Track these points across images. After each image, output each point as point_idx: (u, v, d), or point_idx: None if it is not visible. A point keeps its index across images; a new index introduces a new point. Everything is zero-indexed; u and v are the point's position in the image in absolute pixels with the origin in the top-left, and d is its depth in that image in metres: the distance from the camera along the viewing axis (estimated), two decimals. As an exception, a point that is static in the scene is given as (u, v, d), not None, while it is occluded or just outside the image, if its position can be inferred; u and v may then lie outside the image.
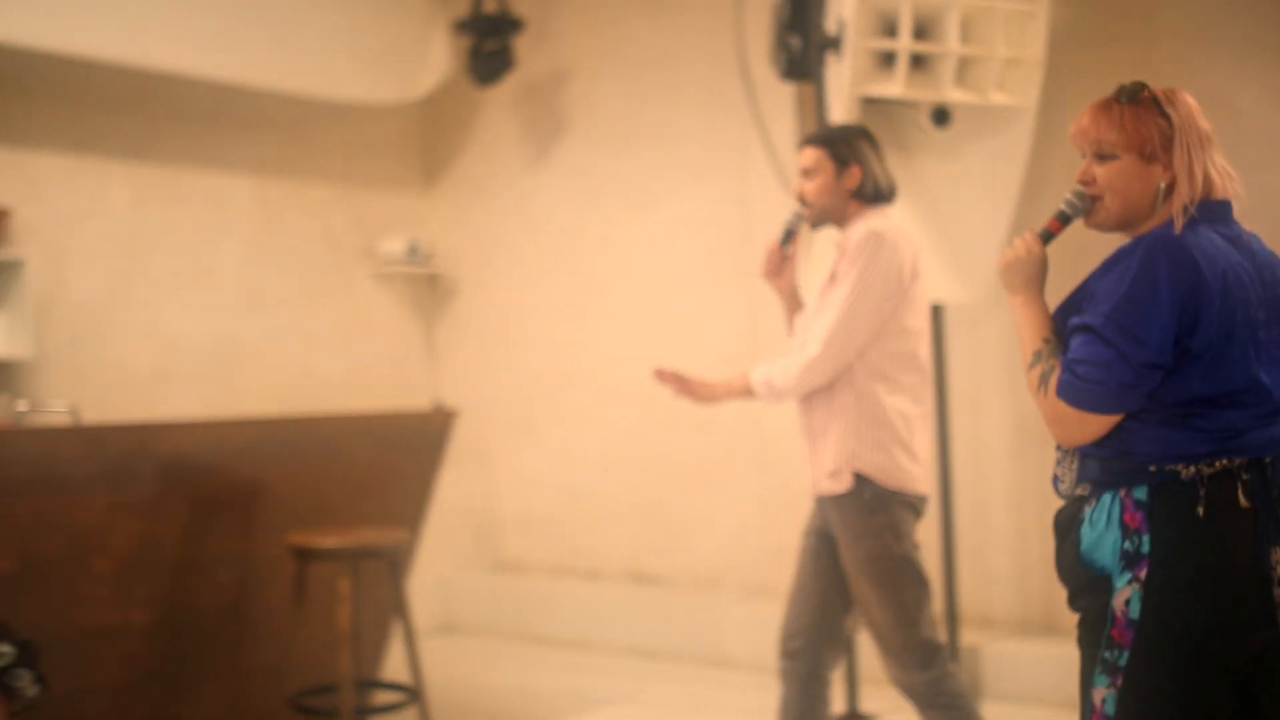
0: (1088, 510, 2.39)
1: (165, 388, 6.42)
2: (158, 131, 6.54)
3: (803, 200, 3.68)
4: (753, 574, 6.38)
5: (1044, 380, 2.38)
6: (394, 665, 5.15)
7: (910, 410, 3.55)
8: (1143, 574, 2.29)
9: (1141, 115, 2.39)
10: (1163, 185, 2.38)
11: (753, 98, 6.04)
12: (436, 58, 7.07)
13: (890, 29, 4.89)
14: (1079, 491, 2.42)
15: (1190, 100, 2.42)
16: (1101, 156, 2.42)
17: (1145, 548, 2.31)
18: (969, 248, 5.04)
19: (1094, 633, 2.38)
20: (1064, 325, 2.42)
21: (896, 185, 3.74)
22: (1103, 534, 2.35)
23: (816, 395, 3.57)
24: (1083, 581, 2.41)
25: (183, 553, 4.26)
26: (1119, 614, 2.32)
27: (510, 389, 7.30)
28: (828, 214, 3.68)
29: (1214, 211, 2.40)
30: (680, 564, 6.74)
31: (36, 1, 5.65)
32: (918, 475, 3.54)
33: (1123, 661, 2.32)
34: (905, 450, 3.51)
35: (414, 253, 7.29)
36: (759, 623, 6.05)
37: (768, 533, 6.10)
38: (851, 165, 3.64)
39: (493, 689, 5.89)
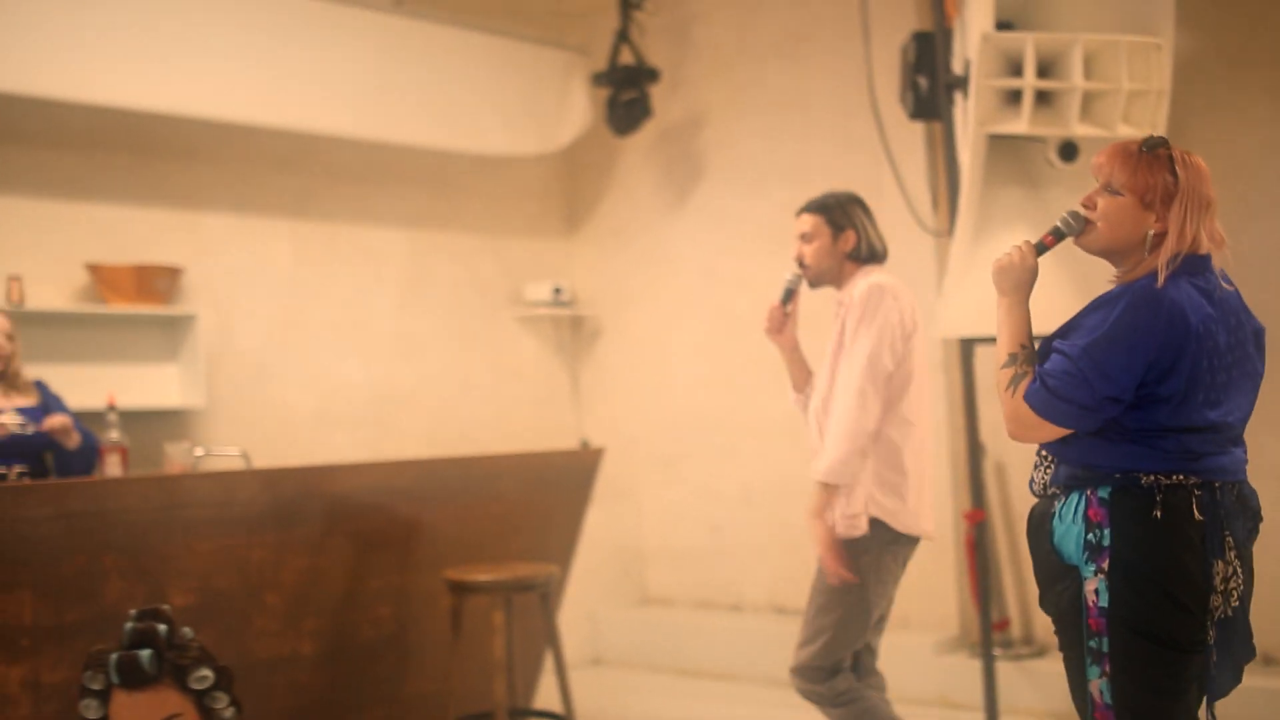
0: (1057, 506, 2.70)
1: (326, 431, 6.75)
2: (316, 190, 6.91)
3: (801, 263, 3.94)
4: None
5: (1014, 382, 2.69)
6: (546, 695, 5.35)
7: (918, 456, 3.78)
8: (1105, 564, 2.60)
9: (1154, 167, 2.67)
10: (1151, 233, 2.67)
11: (883, 137, 6.17)
12: (576, 110, 7.34)
13: (1015, 67, 4.97)
14: (1051, 491, 2.74)
15: (1202, 166, 2.69)
16: (1109, 190, 2.71)
17: (1106, 540, 2.61)
18: (1099, 281, 5.09)
19: (1070, 624, 2.67)
20: (1047, 344, 2.70)
21: (887, 247, 4.01)
22: (1069, 527, 2.66)
23: None
24: (1055, 571, 2.70)
25: (347, 587, 4.52)
26: (1090, 604, 2.62)
27: (653, 426, 7.49)
28: (824, 275, 3.95)
29: (1194, 265, 2.67)
30: None
31: (203, 74, 6.04)
32: (922, 517, 3.78)
33: (1105, 648, 2.60)
34: (915, 494, 3.75)
35: (558, 296, 7.54)
36: (895, 654, 6.13)
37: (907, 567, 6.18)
38: (846, 230, 3.93)
39: (638, 717, 6.05)
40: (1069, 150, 5.03)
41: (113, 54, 5.79)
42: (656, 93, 7.11)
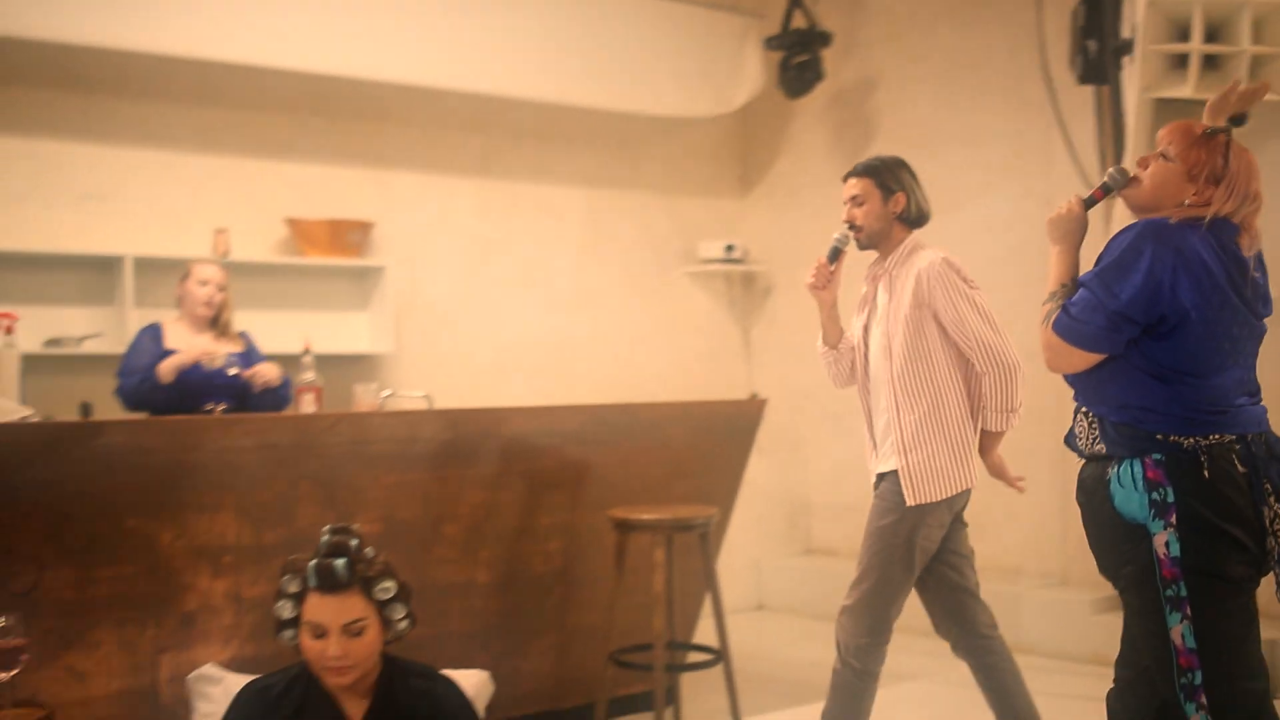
0: (1113, 471, 2.90)
1: (504, 378, 7.09)
2: (499, 150, 7.23)
3: (853, 225, 4.02)
4: (1052, 564, 6.55)
5: (1048, 316, 2.97)
6: (704, 633, 5.60)
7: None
8: (1172, 519, 2.82)
9: (1209, 147, 2.92)
10: (1187, 201, 2.92)
11: (1054, 100, 6.21)
12: (750, 72, 7.51)
13: (1182, 31, 5.00)
14: (1097, 449, 2.96)
15: (1254, 161, 2.95)
16: (1162, 156, 2.97)
17: (1170, 497, 2.82)
18: (1271, 242, 5.10)
19: (1142, 580, 2.87)
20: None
21: (931, 210, 4.09)
22: (1130, 492, 2.87)
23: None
24: (1122, 532, 2.90)
25: (519, 522, 4.82)
26: (1162, 555, 2.83)
27: (820, 382, 7.61)
28: (876, 237, 4.03)
29: (1219, 227, 2.90)
30: (983, 552, 6.88)
31: (394, 41, 6.40)
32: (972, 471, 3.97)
33: (1184, 593, 2.81)
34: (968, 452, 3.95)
35: (730, 253, 7.75)
36: (1058, 610, 6.23)
37: (1067, 524, 6.25)
38: (897, 193, 4.01)
39: (799, 662, 6.26)
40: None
41: (311, 22, 6.18)
42: (829, 56, 7.23)
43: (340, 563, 2.79)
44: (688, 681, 5.22)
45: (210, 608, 4.19)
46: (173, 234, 6.15)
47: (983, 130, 6.87)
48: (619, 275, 7.62)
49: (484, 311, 7.10)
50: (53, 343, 5.74)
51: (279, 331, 5.88)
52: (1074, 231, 3.07)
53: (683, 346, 7.74)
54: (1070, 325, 2.92)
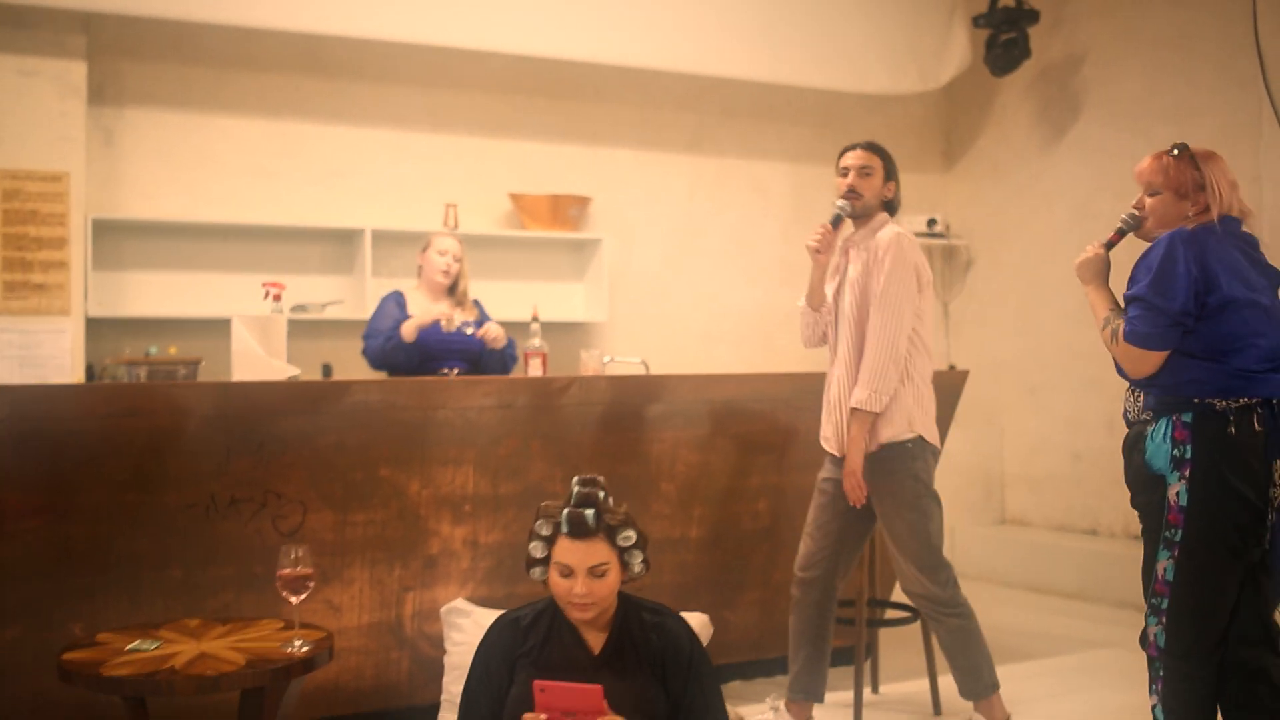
0: (1150, 430, 3.44)
1: (711, 347, 7.40)
2: (710, 127, 7.52)
3: (857, 193, 4.26)
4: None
5: (1114, 334, 3.45)
6: (900, 594, 5.81)
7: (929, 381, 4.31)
8: (1187, 473, 3.35)
9: (1181, 166, 3.45)
10: (1191, 213, 3.43)
11: (1265, 76, 6.21)
12: (957, 50, 7.63)
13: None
14: (1143, 417, 3.52)
15: (1219, 156, 3.47)
16: (1150, 192, 3.50)
17: (1188, 454, 3.35)
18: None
19: (1153, 522, 3.45)
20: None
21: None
22: (1159, 445, 3.40)
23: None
24: (1144, 481, 3.47)
25: (730, 483, 5.12)
26: (1173, 503, 3.37)
27: (1019, 355, 7.77)
28: (868, 211, 4.30)
29: (1226, 221, 3.40)
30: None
31: (610, 23, 6.73)
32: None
33: (1178, 538, 3.38)
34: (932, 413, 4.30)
35: (933, 228, 7.90)
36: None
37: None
38: (892, 180, 4.35)
39: (993, 625, 6.41)
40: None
41: (533, 8, 6.56)
42: (1035, 33, 7.32)
43: (589, 512, 3.11)
44: (885, 640, 5.45)
45: (450, 552, 4.60)
46: (407, 208, 6.62)
47: (1191, 107, 6.88)
48: (822, 249, 7.83)
49: (693, 283, 7.41)
50: (298, 308, 6.24)
51: (501, 300, 6.29)
52: (1101, 271, 3.61)
53: (883, 319, 7.92)
54: (1140, 334, 3.37)
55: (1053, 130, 7.64)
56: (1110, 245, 3.61)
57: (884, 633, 5.41)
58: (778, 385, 5.25)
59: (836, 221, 4.30)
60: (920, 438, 4.27)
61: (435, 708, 4.52)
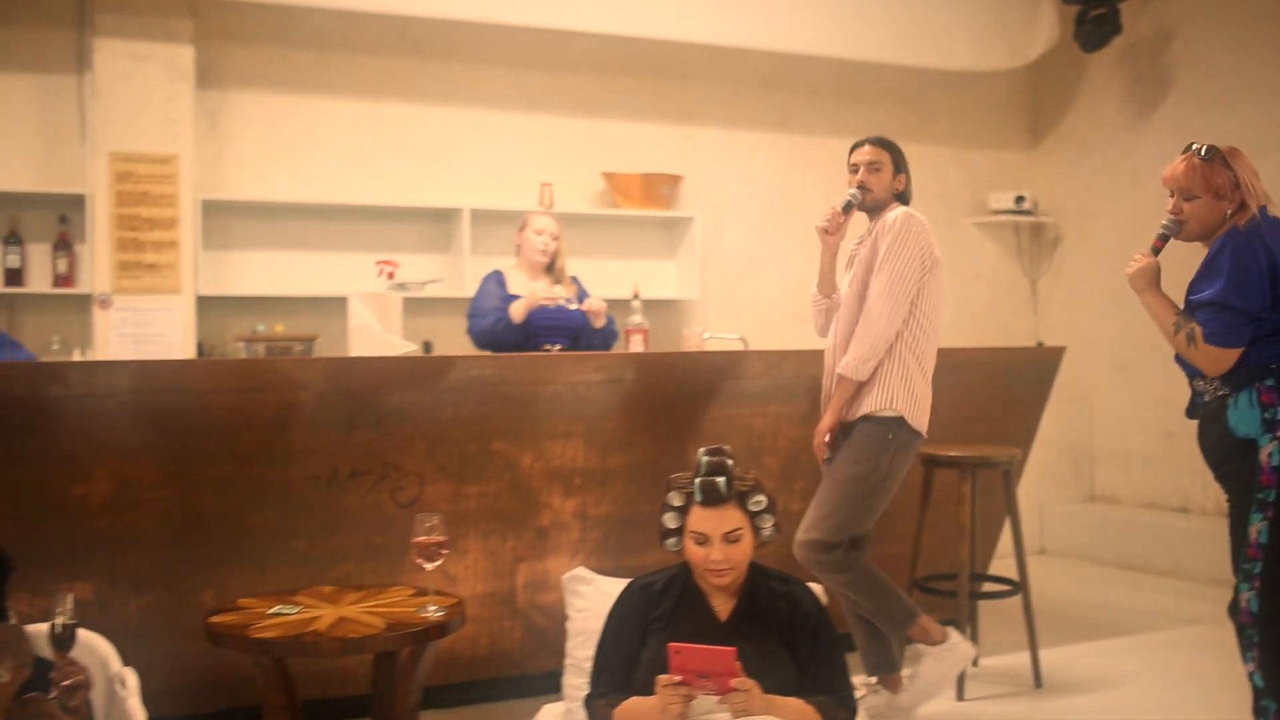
0: (1231, 401, 3.56)
1: (796, 325, 7.39)
2: (796, 105, 7.57)
3: (866, 187, 4.34)
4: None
5: (1190, 338, 3.60)
6: (995, 569, 5.87)
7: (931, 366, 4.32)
8: (1278, 433, 3.49)
9: (1215, 168, 3.61)
10: (1229, 212, 3.61)
11: (1362, 50, 6.16)
12: (1045, 26, 7.62)
13: None
14: (1220, 394, 3.61)
15: (1241, 152, 3.65)
16: (1187, 197, 3.66)
17: (1279, 415, 3.50)
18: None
19: (1243, 488, 3.56)
20: (1190, 306, 3.63)
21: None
22: (1246, 412, 3.54)
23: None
24: (1230, 449, 3.58)
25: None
26: (1265, 464, 3.51)
27: (1108, 332, 7.76)
28: (878, 204, 4.36)
29: (1265, 214, 3.60)
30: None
31: (697, 3, 6.80)
32: (927, 417, 4.30)
33: (1272, 498, 3.49)
34: (927, 400, 4.29)
35: (1020, 205, 7.91)
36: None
37: None
38: (902, 173, 4.39)
39: (1086, 601, 6.48)
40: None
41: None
42: (1125, 9, 7.29)
43: (721, 480, 3.20)
44: (982, 614, 5.51)
45: (560, 524, 4.71)
46: (503, 187, 6.72)
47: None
48: (909, 226, 7.86)
49: (778, 260, 7.46)
50: (398, 287, 6.36)
51: (594, 277, 6.36)
52: (1155, 278, 3.75)
53: (970, 295, 7.94)
54: (1224, 334, 3.54)
55: (1142, 106, 7.61)
56: (1157, 251, 3.76)
57: (981, 610, 5.46)
58: (876, 361, 5.30)
59: (847, 207, 4.37)
60: (900, 419, 4.22)
61: (546, 675, 4.63)
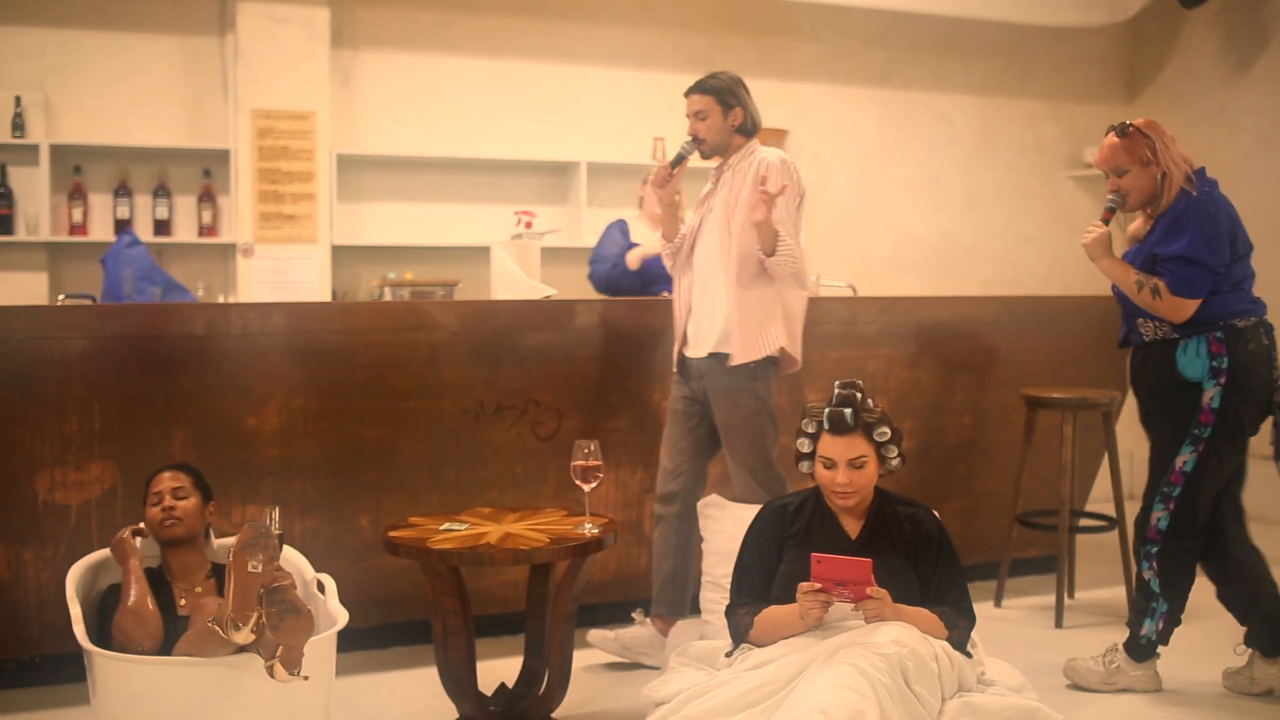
0: (1180, 346, 4.01)
1: (898, 274, 7.72)
2: (899, 61, 7.79)
3: (697, 137, 4.38)
4: None
5: (1155, 292, 3.97)
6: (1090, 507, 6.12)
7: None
8: (1223, 380, 3.98)
9: (1132, 140, 4.02)
10: (1159, 176, 4.00)
11: None
12: (1145, -18, 7.77)
13: None
14: (1168, 335, 4.04)
15: (1155, 120, 4.08)
16: (1119, 173, 4.04)
17: (1225, 364, 3.97)
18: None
19: (1177, 422, 4.05)
20: (1148, 261, 4.03)
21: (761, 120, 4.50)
22: (1194, 359, 4.00)
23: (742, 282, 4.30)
24: (1174, 388, 4.04)
25: (936, 398, 5.47)
26: (1205, 405, 3.99)
27: (1201, 283, 7.91)
28: (718, 148, 4.42)
29: (1200, 174, 4.03)
30: None
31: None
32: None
33: (1206, 435, 4.00)
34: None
35: (1114, 159, 8.08)
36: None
37: None
38: (735, 108, 4.39)
39: None
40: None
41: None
42: (1225, -35, 7.43)
43: (848, 411, 3.51)
44: (1080, 550, 5.77)
45: (686, 457, 5.02)
46: (618, 141, 7.03)
47: (1382, 36, 6.97)
48: (1006, 178, 8.09)
49: (881, 212, 7.72)
50: (517, 237, 6.70)
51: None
52: (1108, 244, 4.11)
53: (1063, 248, 8.12)
54: (1191, 288, 3.94)
55: (1239, 61, 7.75)
56: (1106, 221, 4.10)
57: (1079, 546, 5.72)
58: (982, 307, 5.57)
59: (677, 160, 4.40)
60: (768, 358, 4.32)
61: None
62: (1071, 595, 5.51)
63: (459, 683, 3.65)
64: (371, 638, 4.64)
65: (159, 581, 3.60)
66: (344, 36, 6.63)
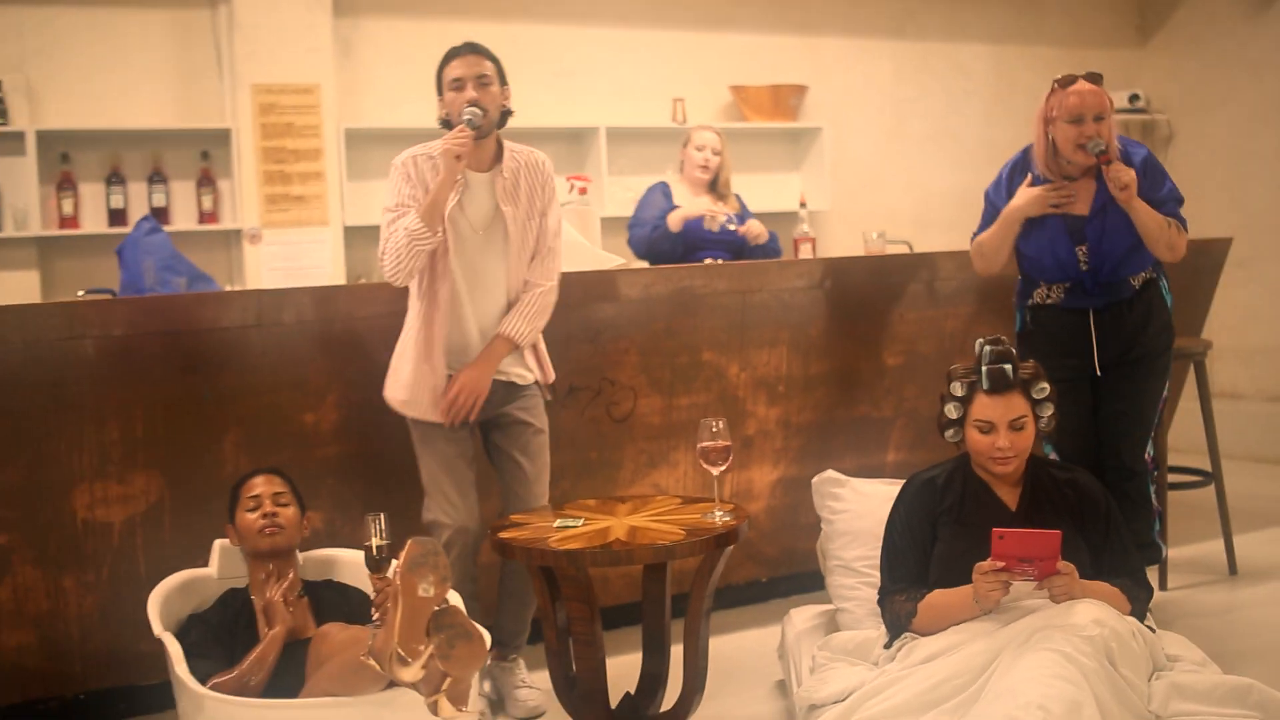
0: (1161, 281, 4.11)
1: (921, 231, 7.42)
2: (913, 11, 7.51)
3: (482, 106, 3.59)
4: None
5: (1181, 228, 4.02)
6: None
7: None
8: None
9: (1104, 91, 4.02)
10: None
11: None
12: (1162, -81, 7.53)
13: None
14: (1148, 276, 4.09)
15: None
16: (1098, 118, 3.97)
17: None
18: None
19: (1167, 361, 4.13)
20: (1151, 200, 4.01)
21: None
22: (1168, 293, 4.12)
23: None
24: (1166, 316, 4.10)
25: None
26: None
27: (1227, 228, 7.70)
28: (490, 126, 3.65)
29: None
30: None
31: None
32: None
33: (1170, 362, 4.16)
34: None
35: (1134, 103, 7.85)
36: None
37: None
38: (506, 85, 3.72)
39: (1236, 493, 6.48)
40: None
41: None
42: (1245, -103, 7.21)
43: (1008, 367, 3.21)
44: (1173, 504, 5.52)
45: (765, 432, 4.72)
46: (636, 104, 6.68)
47: None
48: (1026, 128, 7.74)
49: (901, 167, 7.45)
50: (567, 204, 6.34)
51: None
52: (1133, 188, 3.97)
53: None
54: (1183, 224, 4.05)
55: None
56: (1108, 164, 3.93)
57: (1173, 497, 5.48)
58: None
59: (473, 126, 3.56)
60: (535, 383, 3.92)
61: (749, 585, 4.69)
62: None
63: (589, 696, 3.30)
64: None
65: (244, 602, 3.24)
66: (345, 4, 6.22)
